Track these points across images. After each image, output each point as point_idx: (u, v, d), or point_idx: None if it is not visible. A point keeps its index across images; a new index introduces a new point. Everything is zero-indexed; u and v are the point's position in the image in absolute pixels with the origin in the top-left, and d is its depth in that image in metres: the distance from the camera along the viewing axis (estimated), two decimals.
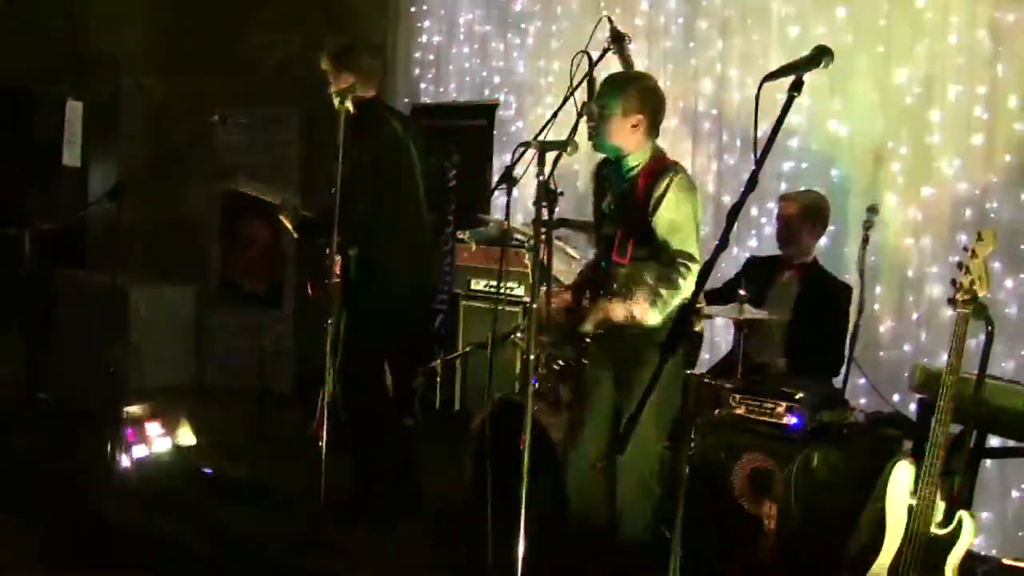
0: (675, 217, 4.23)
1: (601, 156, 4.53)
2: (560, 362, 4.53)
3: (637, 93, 4.34)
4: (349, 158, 5.05)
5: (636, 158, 4.36)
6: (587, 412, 4.44)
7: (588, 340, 4.42)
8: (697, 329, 4.62)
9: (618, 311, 4.20)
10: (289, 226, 5.46)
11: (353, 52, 5.37)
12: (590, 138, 4.36)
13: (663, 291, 4.15)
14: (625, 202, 4.34)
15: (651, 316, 4.16)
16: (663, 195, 4.21)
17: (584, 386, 4.53)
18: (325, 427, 5.10)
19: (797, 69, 2.93)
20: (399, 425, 5.98)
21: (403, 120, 5.60)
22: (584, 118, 4.29)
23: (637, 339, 4.22)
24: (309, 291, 6.46)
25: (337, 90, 5.19)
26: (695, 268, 4.18)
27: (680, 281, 4.16)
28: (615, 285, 4.32)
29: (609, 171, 4.49)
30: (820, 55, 2.97)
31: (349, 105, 5.03)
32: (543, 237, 4.11)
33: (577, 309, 4.50)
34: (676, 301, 4.18)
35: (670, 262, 4.19)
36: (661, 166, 4.33)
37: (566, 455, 4.48)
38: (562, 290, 4.71)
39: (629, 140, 4.34)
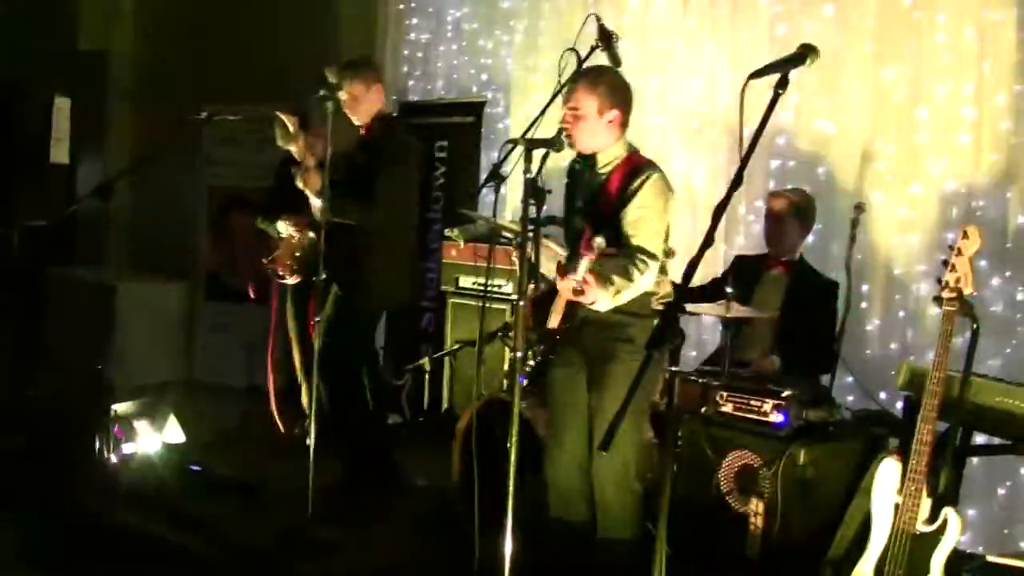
0: (643, 215, 4.20)
1: (573, 153, 4.48)
2: (530, 363, 4.49)
3: (610, 90, 4.32)
4: (359, 163, 5.39)
5: (611, 154, 4.35)
6: (564, 412, 4.43)
7: (558, 338, 4.39)
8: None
9: (563, 289, 4.10)
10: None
11: (360, 64, 5.74)
12: (570, 145, 4.30)
13: (616, 279, 4.03)
14: (597, 197, 4.33)
15: (601, 301, 4.05)
16: (636, 191, 4.18)
17: (555, 386, 4.52)
18: (312, 426, 5.10)
19: (782, 67, 2.94)
20: (381, 419, 6.03)
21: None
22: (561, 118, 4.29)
23: (607, 336, 4.23)
24: (251, 294, 6.56)
25: (323, 91, 5.24)
26: (653, 266, 4.16)
27: (636, 275, 4.09)
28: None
29: (582, 167, 4.47)
30: (805, 53, 2.99)
31: (331, 105, 5.15)
32: (531, 234, 4.11)
33: (545, 307, 4.46)
34: (628, 294, 4.11)
35: (630, 256, 4.14)
36: (639, 164, 4.31)
37: (550, 455, 4.46)
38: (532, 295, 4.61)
39: (606, 137, 4.33)
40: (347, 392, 5.50)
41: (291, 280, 6.11)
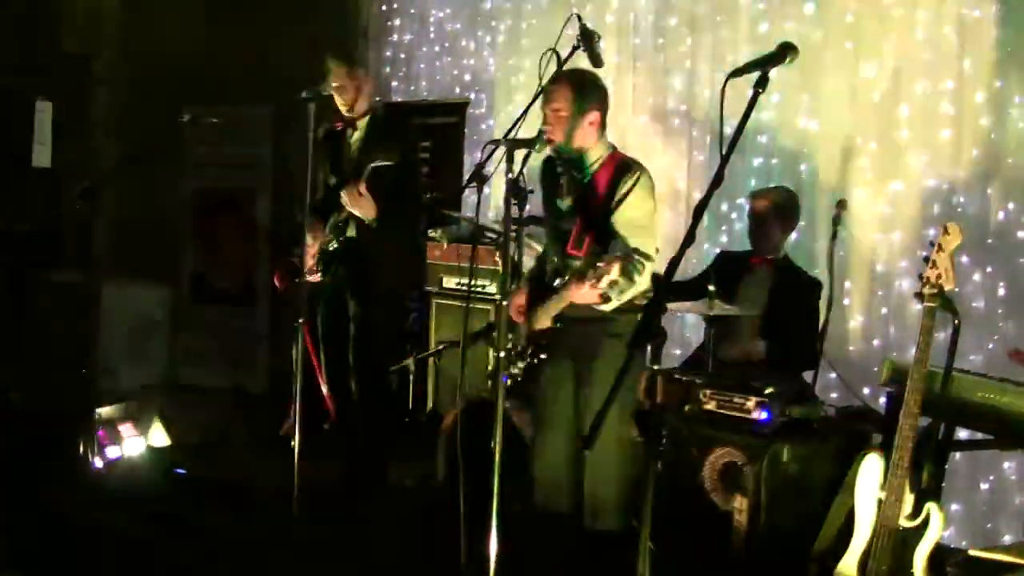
0: (637, 216, 4.26)
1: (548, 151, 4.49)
2: (520, 365, 4.51)
3: (590, 91, 4.36)
4: (368, 156, 5.26)
5: (595, 153, 4.39)
6: (552, 408, 4.44)
7: (543, 338, 4.43)
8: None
9: (577, 294, 4.18)
10: None
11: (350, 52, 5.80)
12: (552, 145, 4.35)
13: (621, 281, 4.07)
14: (584, 197, 4.35)
15: (608, 303, 4.18)
16: (628, 193, 4.23)
17: (544, 383, 4.53)
18: (297, 427, 5.09)
19: (762, 65, 2.95)
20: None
21: None
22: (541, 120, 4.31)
23: (594, 332, 4.25)
24: (277, 284, 6.52)
25: (306, 92, 5.17)
26: (650, 267, 4.25)
27: (636, 277, 4.20)
28: (568, 278, 4.32)
29: (566, 166, 4.48)
30: (784, 51, 2.99)
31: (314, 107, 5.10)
32: (513, 234, 4.12)
33: (531, 308, 4.49)
34: (629, 294, 4.22)
35: (629, 257, 4.18)
36: (624, 162, 4.35)
37: (536, 450, 4.48)
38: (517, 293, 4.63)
39: (588, 137, 4.36)
40: (378, 389, 5.64)
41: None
